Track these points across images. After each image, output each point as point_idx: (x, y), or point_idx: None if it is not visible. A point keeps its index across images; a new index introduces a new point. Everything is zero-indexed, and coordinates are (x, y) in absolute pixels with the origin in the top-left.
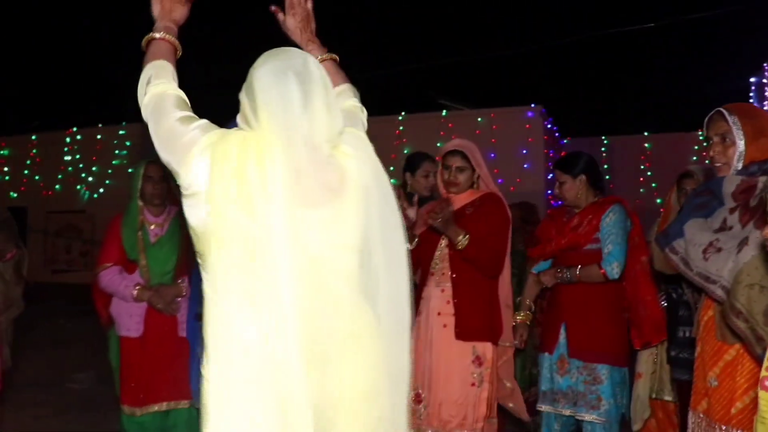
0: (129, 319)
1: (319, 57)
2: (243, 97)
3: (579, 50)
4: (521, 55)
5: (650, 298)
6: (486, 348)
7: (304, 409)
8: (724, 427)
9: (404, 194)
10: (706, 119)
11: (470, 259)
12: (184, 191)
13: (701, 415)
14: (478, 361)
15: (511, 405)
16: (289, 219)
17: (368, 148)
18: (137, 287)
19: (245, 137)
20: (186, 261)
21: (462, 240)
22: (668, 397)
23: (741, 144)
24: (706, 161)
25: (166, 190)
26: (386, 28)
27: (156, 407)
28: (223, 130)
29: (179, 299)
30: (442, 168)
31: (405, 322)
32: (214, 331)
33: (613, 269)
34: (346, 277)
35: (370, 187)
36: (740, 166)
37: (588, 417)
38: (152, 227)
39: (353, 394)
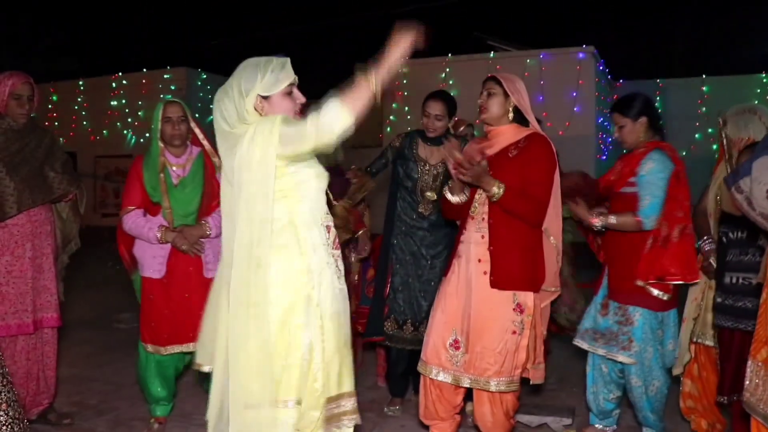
0: (152, 260)
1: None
2: None
3: None
4: None
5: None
6: (527, 296)
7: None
8: None
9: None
10: None
11: (508, 210)
12: None
13: (760, 364)
14: (519, 308)
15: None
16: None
17: (256, 135)
18: (161, 229)
19: None
20: (209, 202)
21: (497, 192)
22: (709, 342)
23: None
24: None
25: (187, 131)
26: None
27: (179, 348)
28: None
29: (203, 240)
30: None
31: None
32: None
33: (650, 221)
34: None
35: (242, 156)
36: None
37: (619, 357)
38: (174, 168)
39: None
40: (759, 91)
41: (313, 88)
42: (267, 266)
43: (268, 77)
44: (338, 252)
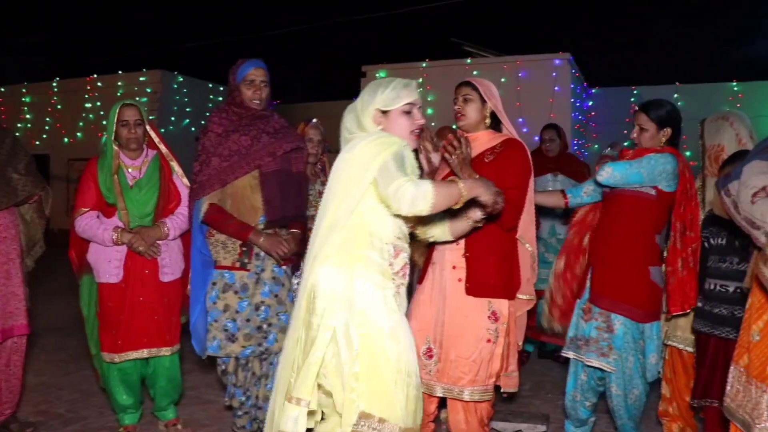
0: (107, 264)
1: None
2: None
3: None
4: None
5: (672, 269)
6: (502, 304)
7: None
8: (759, 385)
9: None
10: None
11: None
12: None
13: (741, 370)
14: (495, 316)
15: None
16: None
17: (371, 142)
18: (117, 230)
19: None
20: (166, 204)
21: None
22: (679, 344)
23: None
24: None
25: (143, 134)
26: None
27: (135, 354)
28: None
29: (160, 243)
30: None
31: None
32: None
33: (605, 170)
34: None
35: (348, 151)
36: None
37: (595, 362)
38: (129, 170)
39: None
40: (730, 99)
41: (288, 91)
42: (322, 261)
43: (388, 93)
44: (403, 280)
